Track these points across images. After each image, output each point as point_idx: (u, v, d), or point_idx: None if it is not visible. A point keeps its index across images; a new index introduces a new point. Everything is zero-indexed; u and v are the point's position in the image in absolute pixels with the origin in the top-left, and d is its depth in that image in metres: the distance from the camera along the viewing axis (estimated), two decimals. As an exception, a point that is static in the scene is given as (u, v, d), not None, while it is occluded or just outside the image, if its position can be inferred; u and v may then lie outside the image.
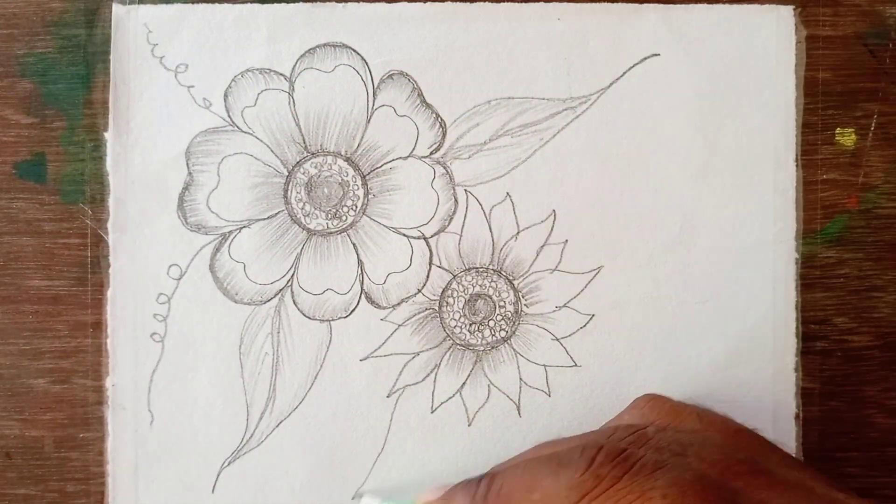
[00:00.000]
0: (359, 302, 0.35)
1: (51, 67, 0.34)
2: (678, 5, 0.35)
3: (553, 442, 0.30)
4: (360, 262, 0.35)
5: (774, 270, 0.35)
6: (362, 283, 0.35)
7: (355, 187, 0.35)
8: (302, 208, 0.35)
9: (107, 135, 0.34)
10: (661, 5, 0.35)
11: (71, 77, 0.34)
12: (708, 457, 0.26)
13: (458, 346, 0.35)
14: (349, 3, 0.35)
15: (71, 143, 0.35)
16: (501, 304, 0.35)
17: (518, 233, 0.35)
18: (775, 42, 0.35)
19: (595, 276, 0.35)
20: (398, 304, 0.35)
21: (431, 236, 0.35)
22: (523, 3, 0.35)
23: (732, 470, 0.25)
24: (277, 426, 0.34)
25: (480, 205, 0.35)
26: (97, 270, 0.34)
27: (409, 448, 0.34)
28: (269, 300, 0.34)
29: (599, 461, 0.26)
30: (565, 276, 0.35)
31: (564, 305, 0.35)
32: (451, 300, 0.35)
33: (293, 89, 0.35)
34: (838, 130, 0.35)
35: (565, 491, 0.25)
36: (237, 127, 0.35)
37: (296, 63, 0.35)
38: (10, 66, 0.34)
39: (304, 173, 0.35)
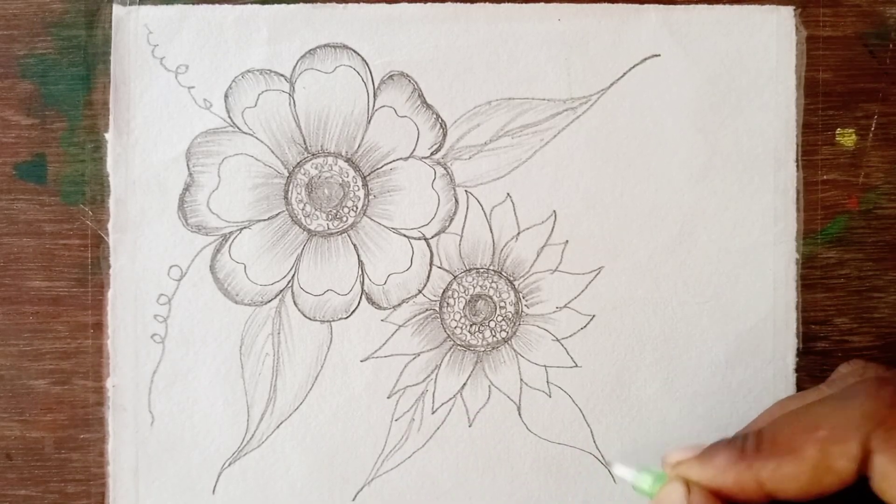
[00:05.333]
0: (359, 303, 0.35)
1: (51, 68, 0.34)
2: (678, 6, 0.35)
3: (792, 398, 0.30)
4: (360, 263, 0.35)
5: (775, 271, 0.35)
6: (363, 284, 0.35)
7: (356, 188, 0.35)
8: (302, 209, 0.35)
9: (107, 136, 0.34)
10: (662, 6, 0.35)
11: (71, 78, 0.34)
12: None
13: (458, 347, 0.35)
14: (350, 4, 0.35)
15: (71, 143, 0.35)
16: (502, 304, 0.35)
17: (518, 233, 0.35)
18: (775, 42, 0.35)
19: (595, 276, 0.35)
20: (399, 304, 0.35)
21: (432, 237, 0.35)
22: (523, 4, 0.35)
23: None
24: (278, 427, 0.34)
25: (481, 205, 0.35)
26: (98, 271, 0.34)
27: (409, 449, 0.34)
28: (269, 301, 0.34)
29: (892, 391, 0.26)
30: (566, 277, 0.35)
31: (565, 306, 0.35)
32: (451, 301, 0.35)
33: (294, 90, 0.35)
34: (839, 131, 0.35)
35: (857, 421, 0.25)
36: (238, 128, 0.34)
37: (296, 64, 0.35)
38: (11, 67, 0.34)
39: (304, 174, 0.35)
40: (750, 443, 0.28)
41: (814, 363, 0.35)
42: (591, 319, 0.35)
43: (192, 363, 0.34)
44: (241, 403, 0.34)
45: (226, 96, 0.34)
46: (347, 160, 0.35)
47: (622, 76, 0.35)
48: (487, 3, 0.35)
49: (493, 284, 0.35)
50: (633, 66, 0.35)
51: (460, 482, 0.34)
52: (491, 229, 0.35)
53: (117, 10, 0.34)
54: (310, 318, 0.35)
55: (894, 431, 0.25)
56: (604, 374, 0.35)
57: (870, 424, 0.25)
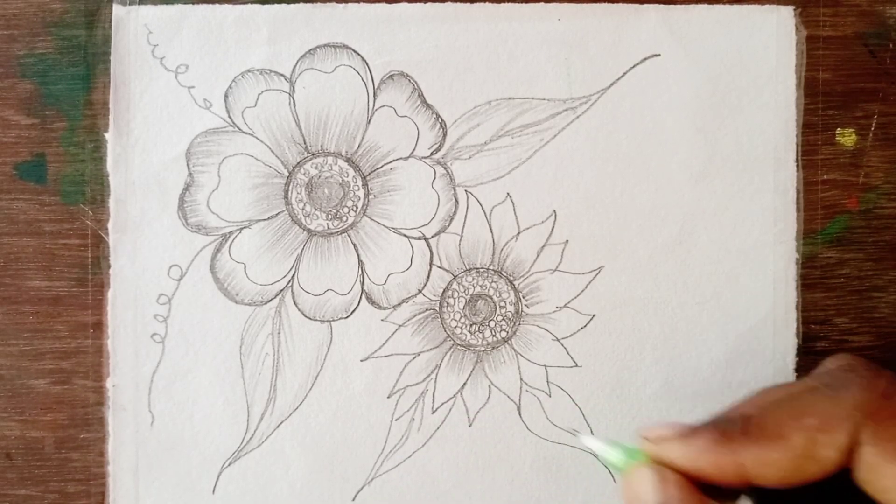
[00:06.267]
0: (359, 302, 0.35)
1: (51, 68, 0.34)
2: (678, 5, 0.35)
3: (778, 386, 0.29)
4: (360, 263, 0.35)
5: (775, 271, 0.35)
6: (363, 284, 0.35)
7: (356, 188, 0.35)
8: (302, 209, 0.35)
9: (107, 135, 0.34)
10: (661, 5, 0.35)
11: (71, 78, 0.34)
12: None
13: (458, 347, 0.35)
14: (350, 4, 0.35)
15: (71, 143, 0.35)
16: (502, 304, 0.35)
17: (518, 233, 0.35)
18: (775, 42, 0.35)
19: (595, 276, 0.35)
20: (399, 304, 0.35)
21: (432, 237, 0.35)
22: (523, 4, 0.35)
23: None
24: (278, 427, 0.34)
25: (481, 205, 0.35)
26: (98, 271, 0.34)
27: (409, 448, 0.35)
28: (269, 301, 0.34)
29: (885, 384, 0.26)
30: (566, 277, 0.35)
31: (565, 306, 0.35)
32: (451, 301, 0.35)
33: (294, 90, 0.35)
34: (838, 131, 0.35)
35: (848, 412, 0.25)
36: (237, 128, 0.35)
37: (296, 63, 0.35)
38: (11, 67, 0.34)
39: (304, 174, 0.35)
40: (736, 426, 0.27)
41: (814, 363, 0.35)
42: (591, 319, 0.35)
43: (192, 363, 0.34)
44: (241, 403, 0.34)
45: (226, 96, 0.34)
46: (347, 160, 0.35)
47: (622, 76, 0.35)
48: (487, 3, 0.35)
49: (493, 284, 0.35)
50: (633, 66, 0.35)
51: (460, 482, 0.34)
52: (491, 229, 0.35)
53: (117, 9, 0.34)
54: (310, 318, 0.35)
55: (885, 424, 0.25)
56: (604, 374, 0.35)
57: (860, 416, 0.25)
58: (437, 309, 0.35)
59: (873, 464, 0.25)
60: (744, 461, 0.26)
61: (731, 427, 0.27)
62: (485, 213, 0.35)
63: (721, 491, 0.28)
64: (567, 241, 0.35)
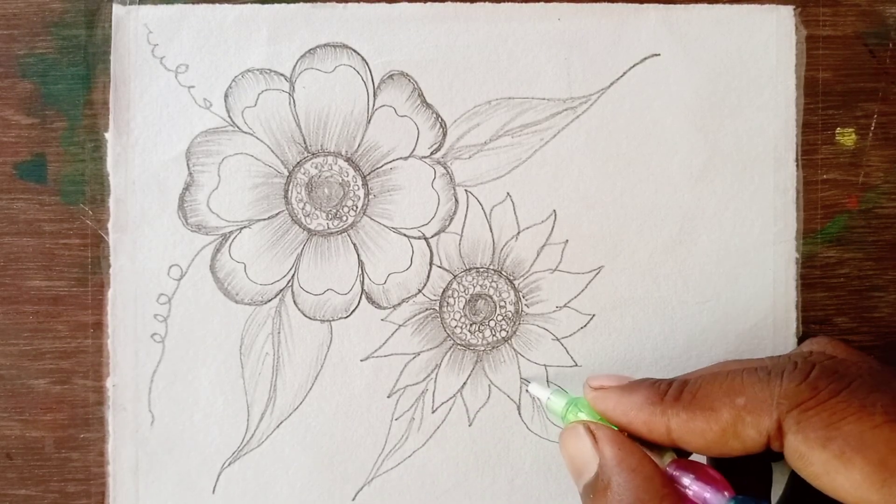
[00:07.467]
0: (359, 302, 0.35)
1: (51, 68, 0.34)
2: (678, 5, 0.35)
3: (736, 361, 0.30)
4: (360, 263, 0.35)
5: (775, 270, 0.35)
6: (363, 284, 0.35)
7: (356, 187, 0.35)
8: (302, 208, 0.35)
9: (107, 135, 0.34)
10: (661, 5, 0.35)
11: (71, 77, 0.34)
12: None
13: (458, 347, 0.35)
14: (350, 4, 0.35)
15: (71, 143, 0.35)
16: (502, 304, 0.35)
17: (518, 233, 0.35)
18: (775, 42, 0.35)
19: (595, 276, 0.35)
20: (399, 304, 0.35)
21: (432, 236, 0.35)
22: (523, 4, 0.35)
23: None
24: (278, 426, 0.34)
25: (481, 205, 0.35)
26: (98, 271, 0.34)
27: (409, 448, 0.34)
28: (269, 300, 0.34)
29: (816, 375, 0.26)
30: (566, 276, 0.35)
31: (565, 305, 0.35)
32: (451, 300, 0.35)
33: (293, 90, 0.35)
34: (838, 130, 0.35)
35: (778, 398, 0.26)
36: (237, 127, 0.35)
37: (296, 63, 0.35)
38: (11, 67, 0.34)
39: (304, 173, 0.35)
40: (672, 390, 0.28)
41: (814, 363, 0.35)
42: (591, 319, 0.35)
43: (192, 363, 0.34)
44: (241, 403, 0.34)
45: (226, 96, 0.34)
46: (347, 160, 0.35)
47: (622, 76, 0.35)
48: (487, 3, 0.35)
49: (493, 284, 0.35)
50: (633, 66, 0.35)
51: (460, 481, 0.34)
52: (491, 229, 0.35)
53: (117, 9, 0.34)
54: (310, 318, 0.35)
55: (809, 413, 0.25)
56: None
57: (788, 404, 0.26)
58: (437, 308, 0.35)
59: (800, 451, 0.25)
60: (671, 425, 0.27)
61: (667, 389, 0.28)
62: (485, 213, 0.35)
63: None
64: (567, 240, 0.35)
